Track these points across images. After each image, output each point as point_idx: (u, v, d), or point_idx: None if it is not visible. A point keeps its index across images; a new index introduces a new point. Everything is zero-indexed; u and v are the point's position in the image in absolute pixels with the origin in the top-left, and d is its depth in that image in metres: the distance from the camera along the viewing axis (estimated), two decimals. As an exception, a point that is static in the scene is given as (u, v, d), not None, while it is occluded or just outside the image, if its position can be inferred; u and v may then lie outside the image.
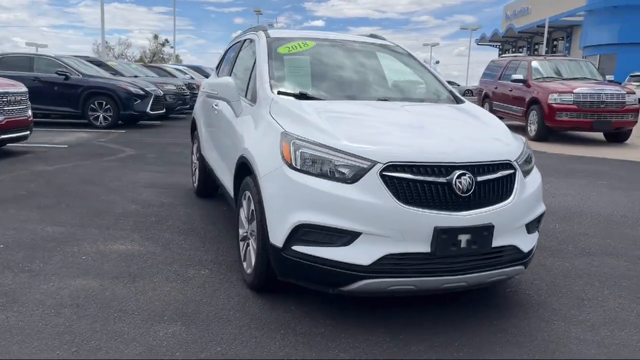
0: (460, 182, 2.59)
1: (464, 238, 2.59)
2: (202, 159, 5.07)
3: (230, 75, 4.40)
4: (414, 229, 2.55)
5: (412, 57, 4.23)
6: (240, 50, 4.45)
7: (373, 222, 2.54)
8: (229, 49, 5.12)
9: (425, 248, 2.57)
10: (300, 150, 2.70)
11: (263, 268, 2.93)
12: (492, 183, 2.71)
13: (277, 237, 2.72)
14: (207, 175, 5.12)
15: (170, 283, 3.22)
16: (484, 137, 2.99)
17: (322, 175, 2.64)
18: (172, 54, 51.32)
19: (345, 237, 2.58)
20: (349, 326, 2.75)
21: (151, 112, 12.28)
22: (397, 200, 2.53)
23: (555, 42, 42.94)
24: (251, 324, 2.75)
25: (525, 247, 2.85)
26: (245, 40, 4.42)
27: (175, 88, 14.63)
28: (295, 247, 2.67)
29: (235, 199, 3.48)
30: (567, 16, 37.79)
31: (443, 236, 2.55)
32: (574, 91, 10.49)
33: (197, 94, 17.51)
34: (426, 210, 2.55)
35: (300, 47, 3.82)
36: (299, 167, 2.69)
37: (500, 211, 2.69)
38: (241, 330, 2.68)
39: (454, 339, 2.67)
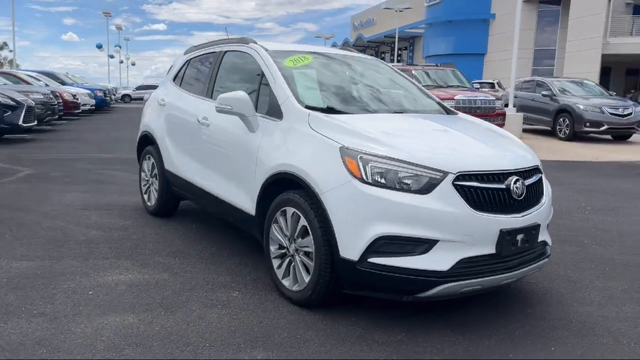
0: (516, 187, 2.87)
1: (520, 238, 2.88)
2: (164, 176, 4.77)
3: (212, 88, 4.22)
4: (484, 232, 2.77)
5: (396, 71, 4.47)
6: (220, 63, 4.28)
7: (450, 229, 2.71)
8: (190, 59, 4.88)
9: (491, 250, 2.81)
10: (370, 165, 2.77)
11: (324, 283, 2.93)
12: (534, 186, 3.05)
13: (352, 251, 2.76)
14: (169, 193, 4.84)
15: (212, 309, 3.05)
16: (513, 145, 3.32)
17: (394, 187, 2.74)
18: (6, 58, 45.74)
19: (424, 245, 2.71)
20: (419, 331, 2.88)
21: (24, 125, 10.99)
22: (470, 207, 2.74)
23: (399, 52, 46.65)
24: (330, 339, 2.75)
25: (549, 241, 3.25)
26: (225, 52, 4.28)
27: (43, 97, 13.21)
28: (372, 259, 2.73)
29: (260, 216, 3.39)
30: (410, 28, 41.44)
31: (507, 237, 2.81)
32: (455, 98, 11.65)
33: (62, 102, 16.26)
34: (493, 215, 2.79)
35: (303, 61, 3.84)
36: (370, 181, 2.76)
37: (541, 211, 3.04)
38: (325, 347, 2.67)
39: (510, 330, 2.94)
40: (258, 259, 3.91)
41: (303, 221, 3.01)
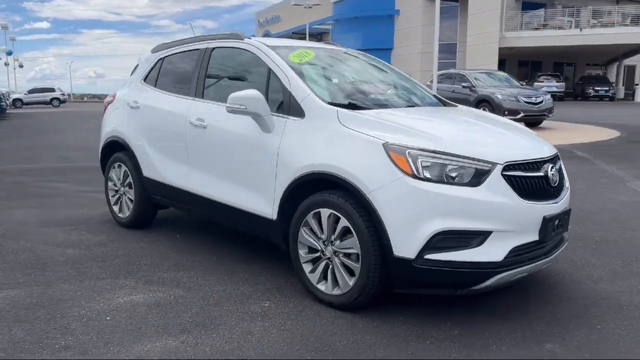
0: (552, 174, 2.96)
1: (557, 223, 2.97)
2: (142, 184, 4.40)
3: (202, 88, 3.95)
4: (531, 220, 2.82)
5: (387, 65, 4.45)
6: (208, 61, 4.00)
7: (502, 220, 2.73)
8: (164, 58, 4.53)
9: (535, 237, 2.87)
10: (420, 160, 2.72)
11: (373, 284, 2.84)
12: (561, 173, 3.16)
13: (407, 249, 2.70)
14: (149, 202, 4.49)
15: (253, 323, 2.86)
16: (530, 134, 3.41)
17: (445, 181, 2.71)
18: None
19: (479, 237, 2.71)
20: (471, 324, 2.87)
21: None
22: (519, 197, 2.77)
23: (307, 48, 46.97)
24: (393, 341, 2.67)
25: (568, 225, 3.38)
26: (213, 48, 4.02)
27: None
28: (429, 256, 2.69)
29: (283, 220, 3.23)
30: (318, 24, 41.81)
31: (549, 224, 2.88)
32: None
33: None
34: (537, 202, 2.85)
35: (307, 57, 3.70)
36: (422, 176, 2.71)
37: (568, 196, 3.15)
38: (391, 349, 2.59)
39: (550, 312, 3.02)
40: (267, 264, 3.74)
41: (344, 222, 2.90)
